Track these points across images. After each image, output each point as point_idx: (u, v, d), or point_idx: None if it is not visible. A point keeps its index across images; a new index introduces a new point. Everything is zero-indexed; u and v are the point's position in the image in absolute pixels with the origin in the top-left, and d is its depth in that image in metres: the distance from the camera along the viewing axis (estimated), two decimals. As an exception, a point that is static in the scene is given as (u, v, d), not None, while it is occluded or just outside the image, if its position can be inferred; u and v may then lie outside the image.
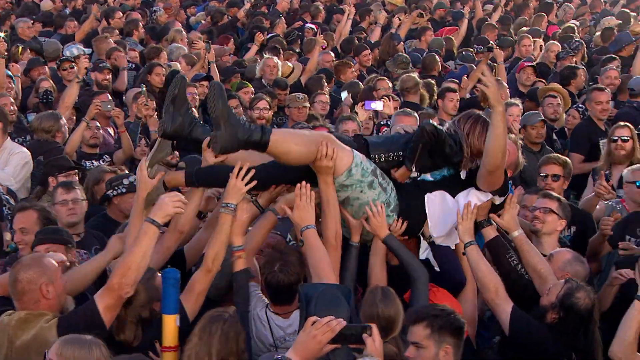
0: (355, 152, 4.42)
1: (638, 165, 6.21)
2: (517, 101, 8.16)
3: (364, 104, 7.68)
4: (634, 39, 10.52)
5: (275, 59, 10.03)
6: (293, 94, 8.70)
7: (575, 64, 10.18)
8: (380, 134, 7.26)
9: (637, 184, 5.77)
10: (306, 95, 8.57)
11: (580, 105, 8.44)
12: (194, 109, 4.53)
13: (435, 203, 4.59)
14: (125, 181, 5.68)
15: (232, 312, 4.02)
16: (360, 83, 9.59)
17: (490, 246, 4.72)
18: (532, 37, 11.55)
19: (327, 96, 8.98)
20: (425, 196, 4.58)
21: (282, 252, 4.41)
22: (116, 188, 5.65)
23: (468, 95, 9.40)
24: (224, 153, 4.25)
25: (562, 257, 4.80)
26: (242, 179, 4.26)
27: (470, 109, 8.71)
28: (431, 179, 4.62)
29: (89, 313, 3.98)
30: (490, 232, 4.70)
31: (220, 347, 3.81)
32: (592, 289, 4.52)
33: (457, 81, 9.39)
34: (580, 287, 4.37)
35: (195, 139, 4.46)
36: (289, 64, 10.23)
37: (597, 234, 5.58)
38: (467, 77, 9.51)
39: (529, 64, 9.64)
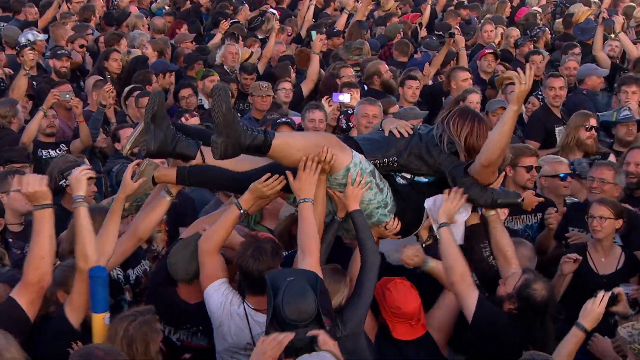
0: (355, 152, 4.39)
1: (553, 156, 6.31)
2: (477, 88, 8.20)
3: (331, 97, 7.64)
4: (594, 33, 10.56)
5: (236, 45, 9.95)
6: (257, 82, 8.62)
7: (539, 50, 10.22)
8: (350, 123, 7.30)
9: (562, 175, 5.82)
10: (270, 84, 8.52)
11: (540, 93, 8.50)
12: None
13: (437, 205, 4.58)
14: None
15: (147, 311, 3.91)
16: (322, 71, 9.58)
17: (469, 231, 4.73)
18: (495, 24, 11.57)
19: (291, 84, 8.92)
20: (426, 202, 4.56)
21: (257, 239, 4.37)
22: (68, 178, 5.56)
23: (430, 82, 9.45)
24: (225, 159, 4.19)
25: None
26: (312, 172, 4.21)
27: (432, 96, 9.06)
28: (425, 180, 4.61)
29: (11, 311, 3.91)
30: (473, 219, 4.71)
31: (123, 350, 3.69)
32: (549, 281, 4.58)
33: (419, 69, 9.42)
34: (537, 278, 4.41)
35: (181, 154, 4.42)
36: (247, 49, 10.16)
37: (544, 230, 5.61)
38: (429, 64, 9.54)
39: (490, 51, 9.66)
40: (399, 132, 4.53)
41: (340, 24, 11.84)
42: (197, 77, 9.07)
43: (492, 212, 4.66)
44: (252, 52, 10.14)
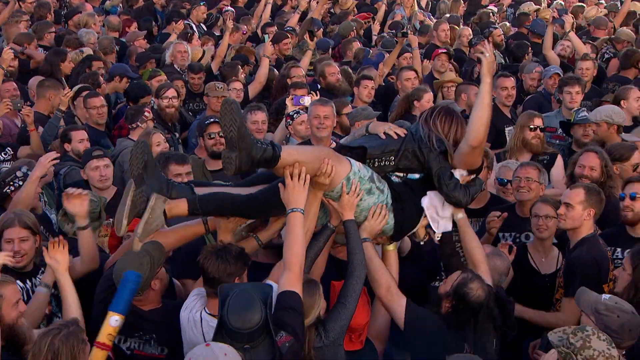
0: (352, 161, 4.42)
1: (506, 162, 6.42)
2: (428, 87, 8.23)
3: (292, 98, 7.63)
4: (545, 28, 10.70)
5: (185, 44, 9.87)
6: (212, 82, 8.54)
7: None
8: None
9: (504, 181, 5.89)
10: (225, 85, 8.45)
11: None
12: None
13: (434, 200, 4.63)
14: (19, 173, 5.58)
15: (72, 323, 3.89)
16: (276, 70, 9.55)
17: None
18: (450, 23, 11.63)
19: (241, 83, 8.87)
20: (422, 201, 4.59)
21: (225, 245, 4.34)
22: (11, 183, 5.50)
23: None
24: (238, 174, 4.22)
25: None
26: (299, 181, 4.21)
27: (386, 96, 9.08)
28: (417, 176, 4.63)
29: None
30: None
31: None
32: (489, 285, 4.48)
33: (374, 68, 9.45)
34: (475, 278, 4.41)
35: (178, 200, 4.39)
36: (199, 48, 10.07)
37: (485, 234, 5.66)
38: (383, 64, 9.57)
39: (443, 51, 9.72)
40: (396, 133, 4.58)
41: (293, 22, 11.81)
42: (143, 78, 8.95)
43: (461, 215, 4.70)
44: (204, 51, 10.06)
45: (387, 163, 4.55)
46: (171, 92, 8.01)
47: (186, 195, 4.38)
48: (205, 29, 11.96)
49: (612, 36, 10.87)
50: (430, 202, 4.58)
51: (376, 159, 4.53)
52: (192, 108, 8.72)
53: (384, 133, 4.58)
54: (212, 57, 9.98)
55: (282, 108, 7.76)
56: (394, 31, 10.67)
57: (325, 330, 4.13)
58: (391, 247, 4.71)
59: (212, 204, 4.40)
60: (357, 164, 4.42)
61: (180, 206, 4.35)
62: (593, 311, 4.15)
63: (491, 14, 12.78)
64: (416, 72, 8.98)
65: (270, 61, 9.45)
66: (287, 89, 8.51)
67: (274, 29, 11.39)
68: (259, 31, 11.81)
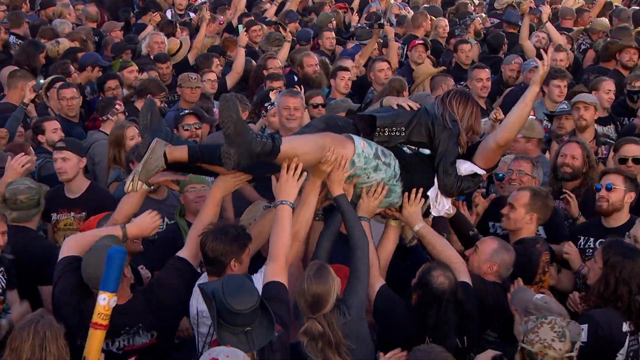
0: (356, 140, 4.41)
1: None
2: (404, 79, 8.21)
3: (278, 92, 7.58)
4: (520, 22, 10.73)
5: (162, 34, 9.78)
6: (186, 73, 8.47)
7: (467, 40, 10.30)
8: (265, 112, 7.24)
9: (500, 175, 5.87)
10: (199, 75, 8.39)
11: (462, 82, 8.55)
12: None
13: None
14: None
15: (42, 312, 3.90)
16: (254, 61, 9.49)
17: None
18: (430, 15, 11.59)
19: (216, 74, 8.83)
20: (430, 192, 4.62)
21: (226, 224, 4.44)
22: None
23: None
24: (237, 168, 4.22)
25: (488, 247, 4.79)
26: (293, 175, 4.28)
27: (362, 87, 9.05)
28: (427, 152, 4.66)
29: None
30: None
31: (34, 356, 3.66)
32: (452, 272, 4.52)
33: (351, 59, 9.42)
34: (438, 266, 4.43)
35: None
36: (176, 39, 9.99)
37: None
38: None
39: (420, 42, 9.71)
40: (409, 106, 4.61)
41: (270, 14, 11.73)
42: (114, 68, 8.85)
43: (417, 228, 4.68)
44: (181, 43, 9.97)
45: (397, 134, 4.58)
46: None
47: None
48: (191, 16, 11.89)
49: (588, 27, 10.90)
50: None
51: (387, 128, 4.56)
52: (167, 100, 8.63)
53: (398, 105, 4.63)
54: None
55: (267, 100, 7.72)
56: (370, 22, 10.61)
57: (347, 306, 4.17)
58: (393, 223, 4.76)
59: (213, 151, 4.37)
60: (360, 143, 4.41)
61: (181, 150, 4.36)
62: (523, 309, 4.18)
63: (469, 4, 12.75)
64: (389, 63, 8.96)
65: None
66: (264, 80, 8.50)
67: (250, 19, 11.32)
68: (234, 21, 11.74)
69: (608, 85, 7.74)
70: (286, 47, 9.76)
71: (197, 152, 4.37)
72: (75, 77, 8.41)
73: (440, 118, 4.57)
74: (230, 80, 9.10)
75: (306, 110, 7.62)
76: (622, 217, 5.40)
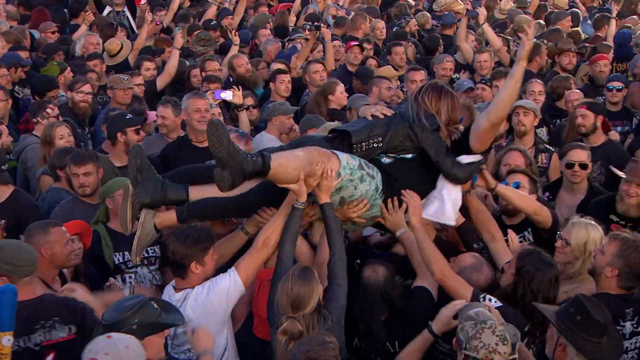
0: (340, 154, 4.43)
1: None
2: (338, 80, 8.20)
3: (213, 93, 7.50)
4: (456, 20, 10.83)
5: (97, 35, 9.61)
6: (117, 75, 8.32)
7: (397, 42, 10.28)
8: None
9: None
10: (130, 77, 8.24)
11: (401, 85, 8.59)
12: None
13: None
14: None
15: None
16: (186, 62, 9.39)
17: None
18: (369, 16, 11.59)
19: (143, 77, 8.69)
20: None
21: (192, 227, 4.48)
22: None
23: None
24: (233, 189, 4.24)
25: (462, 262, 4.73)
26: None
27: (298, 90, 9.01)
28: (409, 156, 4.66)
29: None
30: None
31: None
32: (390, 271, 4.57)
33: (286, 62, 9.38)
34: (373, 264, 4.50)
35: (173, 200, 4.53)
36: (116, 41, 9.82)
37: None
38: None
39: (355, 43, 9.70)
40: (382, 114, 4.61)
41: (210, 14, 11.61)
42: (52, 72, 8.61)
43: (399, 233, 4.70)
44: (122, 44, 9.80)
45: (375, 145, 4.57)
46: (87, 87, 7.83)
47: (182, 196, 4.52)
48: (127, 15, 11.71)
49: (514, 26, 11.03)
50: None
51: (363, 143, 4.55)
52: (97, 100, 8.47)
53: (372, 115, 4.62)
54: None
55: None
56: (308, 23, 10.59)
57: (329, 312, 4.21)
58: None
59: (199, 210, 4.54)
60: (344, 157, 4.43)
61: (170, 217, 4.53)
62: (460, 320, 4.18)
63: (407, 6, 12.81)
64: (324, 64, 8.95)
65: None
66: (201, 82, 8.41)
67: (194, 24, 11.20)
68: (165, 21, 11.62)
69: (533, 87, 7.83)
70: (233, 50, 9.64)
71: (183, 214, 4.50)
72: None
73: (417, 119, 4.56)
74: (161, 81, 8.96)
75: (242, 112, 7.61)
76: (522, 214, 5.45)
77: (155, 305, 3.86)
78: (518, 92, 4.49)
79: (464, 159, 4.63)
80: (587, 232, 4.86)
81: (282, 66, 8.95)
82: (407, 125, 4.57)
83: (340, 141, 4.62)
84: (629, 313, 4.51)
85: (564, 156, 6.26)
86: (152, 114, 7.25)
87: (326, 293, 4.31)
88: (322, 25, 9.87)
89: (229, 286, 4.45)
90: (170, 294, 4.53)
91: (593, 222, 4.94)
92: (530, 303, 4.31)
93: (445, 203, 4.64)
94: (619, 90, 8.15)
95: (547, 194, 6.37)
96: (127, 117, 6.72)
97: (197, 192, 4.58)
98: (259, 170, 4.21)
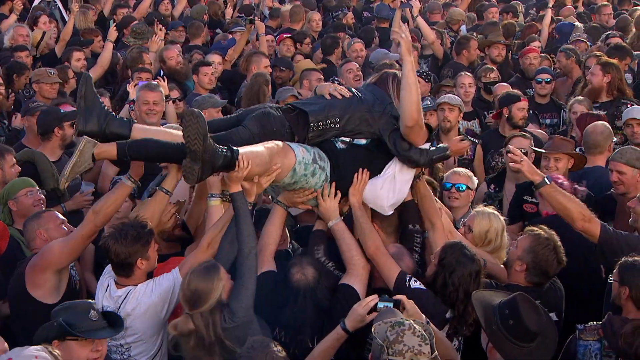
0: (295, 149, 4.42)
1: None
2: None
3: (136, 84, 7.38)
4: (390, 14, 10.87)
5: (26, 27, 9.39)
6: (43, 68, 8.12)
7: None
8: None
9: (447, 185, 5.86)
10: (57, 71, 8.06)
11: (335, 78, 8.56)
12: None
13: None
14: None
15: None
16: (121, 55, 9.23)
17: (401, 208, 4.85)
18: (305, 7, 11.56)
19: (73, 71, 8.46)
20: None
21: (128, 224, 4.38)
22: None
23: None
24: (199, 182, 4.24)
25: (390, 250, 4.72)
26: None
27: (232, 82, 8.94)
28: (363, 142, 4.65)
29: None
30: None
31: None
32: (318, 268, 4.57)
33: (223, 53, 9.31)
34: (301, 262, 4.51)
35: (115, 133, 4.43)
36: (39, 30, 9.62)
37: None
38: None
39: (287, 35, 9.67)
40: (340, 94, 4.58)
41: (145, 5, 11.43)
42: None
43: (331, 224, 4.67)
44: (44, 33, 9.60)
45: (331, 126, 4.55)
46: None
47: (122, 131, 4.43)
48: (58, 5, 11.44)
49: (447, 18, 11.14)
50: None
51: (320, 122, 4.53)
52: (22, 94, 8.27)
53: (330, 95, 4.59)
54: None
55: (127, 94, 7.56)
56: (243, 15, 10.51)
57: (231, 312, 4.11)
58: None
59: (142, 149, 4.42)
60: (300, 151, 4.43)
61: (110, 150, 4.40)
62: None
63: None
64: (266, 56, 8.87)
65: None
66: (131, 74, 8.28)
67: (125, 11, 11.03)
68: (105, 11, 11.39)
69: (462, 80, 7.92)
70: (108, 46, 9.34)
71: (124, 150, 4.38)
72: None
73: (378, 104, 4.57)
74: (94, 74, 8.72)
75: (169, 104, 7.51)
76: (464, 209, 5.62)
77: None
78: (416, 87, 4.45)
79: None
80: (489, 221, 5.00)
81: (210, 58, 8.83)
82: (366, 109, 4.58)
83: (296, 115, 4.57)
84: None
85: (505, 145, 6.35)
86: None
87: (231, 292, 4.24)
88: (256, 18, 9.80)
89: (173, 287, 4.36)
90: (111, 289, 4.44)
91: (495, 212, 5.08)
92: (452, 294, 4.36)
93: (384, 191, 4.66)
94: (547, 82, 8.30)
95: (492, 186, 6.47)
96: (62, 111, 6.58)
97: (140, 132, 4.49)
98: (227, 164, 4.17)
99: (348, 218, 4.80)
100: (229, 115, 5.02)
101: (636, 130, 6.72)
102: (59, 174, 6.06)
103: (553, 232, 4.67)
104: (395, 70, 4.84)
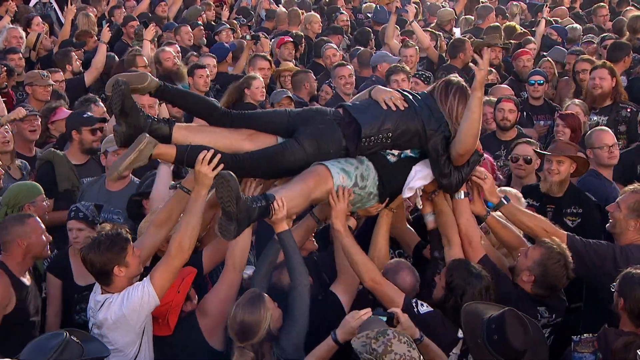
0: (335, 175, 4.39)
1: None
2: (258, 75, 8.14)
3: None
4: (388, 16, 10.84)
5: (20, 29, 9.39)
6: (36, 70, 8.15)
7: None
8: None
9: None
10: (49, 73, 8.06)
11: (328, 81, 8.58)
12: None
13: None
14: None
15: None
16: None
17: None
18: (301, 9, 11.55)
19: (72, 73, 8.59)
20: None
21: (102, 233, 4.38)
22: None
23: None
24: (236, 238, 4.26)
25: (387, 265, 4.71)
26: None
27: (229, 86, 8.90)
28: (412, 154, 4.63)
29: None
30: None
31: None
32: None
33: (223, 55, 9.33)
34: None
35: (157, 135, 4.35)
36: (36, 32, 9.62)
37: None
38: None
39: (289, 39, 9.67)
40: (395, 105, 4.52)
41: (143, 7, 11.43)
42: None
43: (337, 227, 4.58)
44: (39, 34, 9.60)
45: (383, 141, 4.50)
46: None
47: (164, 132, 4.38)
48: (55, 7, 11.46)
49: (437, 21, 11.13)
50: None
51: (372, 137, 4.47)
52: (16, 97, 8.27)
53: (385, 103, 4.53)
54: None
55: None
56: (240, 16, 10.50)
57: (281, 348, 4.13)
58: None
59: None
60: (339, 178, 4.40)
61: (169, 153, 4.35)
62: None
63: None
64: (270, 62, 8.90)
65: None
66: (126, 77, 8.24)
67: (120, 11, 11.06)
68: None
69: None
70: (146, 45, 9.45)
71: (183, 157, 4.32)
72: None
73: (434, 120, 4.50)
74: (89, 77, 8.82)
75: (161, 105, 7.51)
76: None
77: (76, 340, 3.83)
78: (478, 122, 4.42)
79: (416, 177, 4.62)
80: None
81: (204, 61, 8.82)
82: (420, 124, 4.50)
83: (352, 129, 4.48)
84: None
85: (512, 150, 6.33)
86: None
87: (282, 326, 4.22)
88: (260, 33, 9.80)
89: (142, 298, 4.33)
90: (96, 292, 4.47)
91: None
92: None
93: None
94: (540, 84, 8.28)
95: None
96: (84, 115, 6.64)
97: (182, 130, 4.48)
98: (263, 213, 4.22)
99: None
100: (276, 110, 4.98)
101: None
102: (77, 177, 6.28)
103: (565, 246, 4.58)
104: (457, 80, 4.75)
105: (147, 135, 4.26)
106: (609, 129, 6.47)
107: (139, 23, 10.11)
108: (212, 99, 4.53)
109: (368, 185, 4.50)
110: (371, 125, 4.45)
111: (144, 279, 4.40)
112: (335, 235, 4.61)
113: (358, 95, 5.01)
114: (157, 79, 4.51)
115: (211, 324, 4.50)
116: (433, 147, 4.50)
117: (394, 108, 4.51)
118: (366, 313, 4.14)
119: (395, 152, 4.60)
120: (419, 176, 4.58)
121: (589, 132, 6.49)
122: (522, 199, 5.37)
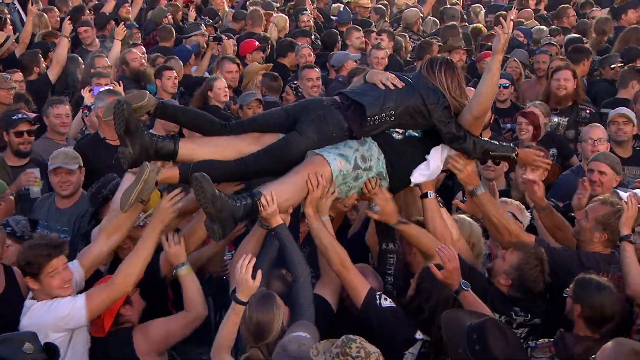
0: (333, 163, 4.40)
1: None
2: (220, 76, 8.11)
3: (91, 90, 7.29)
4: (351, 17, 10.89)
5: (-10, 32, 9.25)
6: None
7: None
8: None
9: None
10: (12, 76, 7.93)
11: (294, 83, 8.55)
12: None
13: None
14: None
15: None
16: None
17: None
18: (264, 10, 11.48)
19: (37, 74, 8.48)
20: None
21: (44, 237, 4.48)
22: None
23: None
24: (225, 238, 4.36)
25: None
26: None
27: (198, 84, 8.81)
28: (416, 134, 4.66)
29: None
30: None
31: None
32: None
33: (186, 57, 9.27)
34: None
35: (163, 153, 4.41)
36: (3, 33, 9.45)
37: None
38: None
39: (258, 46, 9.62)
40: (392, 84, 4.54)
41: (108, 9, 11.32)
42: None
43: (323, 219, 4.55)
44: (8, 36, 9.43)
45: (386, 119, 4.52)
46: None
47: (169, 149, 4.40)
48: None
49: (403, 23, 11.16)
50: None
51: (376, 116, 4.49)
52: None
53: (382, 83, 4.54)
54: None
55: (82, 99, 7.51)
56: (206, 18, 10.45)
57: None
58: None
59: (205, 172, 4.30)
60: (337, 164, 4.41)
61: (173, 176, 4.41)
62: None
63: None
64: (238, 64, 8.85)
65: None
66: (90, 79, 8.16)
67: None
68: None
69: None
70: (117, 45, 9.40)
71: (187, 177, 4.34)
72: None
73: (432, 93, 4.53)
74: (53, 72, 8.65)
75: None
76: None
77: None
78: (497, 84, 4.60)
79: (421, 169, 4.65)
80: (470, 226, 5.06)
81: (171, 63, 8.74)
82: (420, 100, 4.54)
83: (353, 110, 4.52)
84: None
85: None
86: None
87: (291, 321, 4.17)
88: (223, 36, 9.75)
89: (68, 314, 4.32)
90: (29, 296, 4.48)
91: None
92: (427, 319, 4.29)
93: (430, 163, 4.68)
94: (505, 87, 8.34)
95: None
96: (13, 117, 6.54)
97: (187, 143, 4.51)
98: (249, 211, 4.22)
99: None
100: (272, 109, 4.94)
101: (622, 127, 6.74)
102: (12, 179, 6.15)
103: (542, 250, 4.63)
104: (440, 56, 4.90)
105: (148, 163, 4.31)
106: (601, 125, 6.62)
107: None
108: (208, 113, 4.60)
109: (373, 166, 4.55)
110: (374, 105, 4.51)
111: (79, 296, 4.38)
112: (307, 221, 4.59)
113: (352, 84, 5.10)
114: (155, 97, 4.54)
115: (147, 349, 4.51)
116: (438, 119, 4.57)
117: (391, 87, 4.56)
118: (250, 259, 4.15)
119: (400, 130, 4.65)
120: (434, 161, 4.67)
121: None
122: (526, 212, 5.36)
